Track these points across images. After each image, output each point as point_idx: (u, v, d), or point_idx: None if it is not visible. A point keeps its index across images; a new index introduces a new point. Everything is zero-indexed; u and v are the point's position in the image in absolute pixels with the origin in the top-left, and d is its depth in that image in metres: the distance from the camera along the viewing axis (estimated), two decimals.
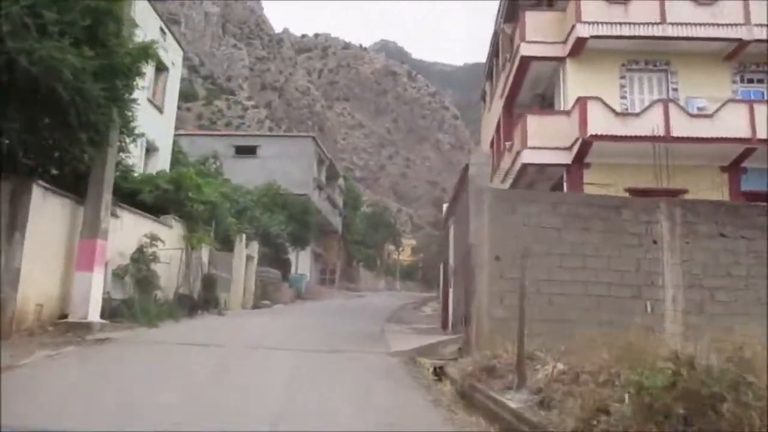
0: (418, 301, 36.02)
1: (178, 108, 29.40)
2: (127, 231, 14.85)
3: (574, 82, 18.90)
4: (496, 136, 24.94)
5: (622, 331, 6.64)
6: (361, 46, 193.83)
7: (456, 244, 15.67)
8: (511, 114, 23.52)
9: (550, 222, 10.85)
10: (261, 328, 15.04)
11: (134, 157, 20.08)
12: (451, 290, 16.28)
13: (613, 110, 17.14)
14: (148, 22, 20.72)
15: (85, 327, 11.10)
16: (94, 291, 11.70)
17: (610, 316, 9.96)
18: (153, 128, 23.02)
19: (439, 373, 9.02)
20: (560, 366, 6.14)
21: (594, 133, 16.81)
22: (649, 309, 10.39)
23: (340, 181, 44.39)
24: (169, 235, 17.23)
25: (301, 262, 38.36)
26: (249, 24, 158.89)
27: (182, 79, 29.46)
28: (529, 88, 21.91)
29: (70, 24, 8.80)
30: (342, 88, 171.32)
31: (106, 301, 12.76)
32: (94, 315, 11.65)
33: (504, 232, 10.80)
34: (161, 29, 23.13)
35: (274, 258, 30.55)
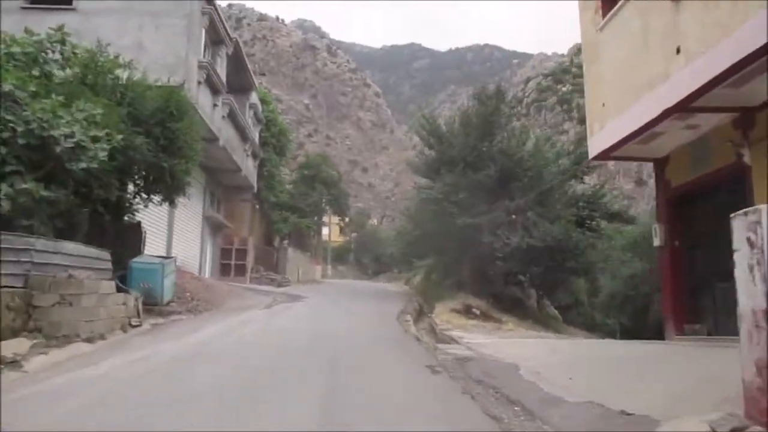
0: (405, 306, 17.73)
1: None
2: None
3: None
4: None
5: None
6: (277, 18, 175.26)
7: None
8: None
9: None
10: None
11: None
12: None
13: None
14: None
15: None
16: None
17: None
18: None
19: None
20: None
21: None
22: None
23: (254, 98, 24.55)
24: None
25: (182, 235, 19.04)
26: None
27: None
28: None
29: None
30: (258, 61, 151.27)
31: None
32: None
33: None
34: None
35: (87, 217, 11.28)
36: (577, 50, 64.35)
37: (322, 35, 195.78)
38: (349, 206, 39.28)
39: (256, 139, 24.89)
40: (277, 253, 28.32)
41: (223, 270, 24.06)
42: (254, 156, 24.38)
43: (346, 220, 42.24)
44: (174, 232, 18.15)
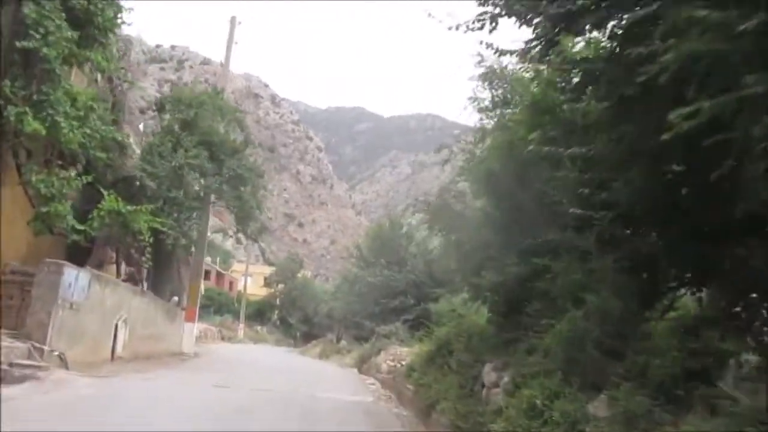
0: None
1: None
2: None
3: None
4: None
5: None
6: (221, 63, 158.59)
7: None
8: None
9: None
10: None
11: None
12: None
13: None
14: None
15: None
16: None
17: None
18: None
19: None
20: None
21: None
22: None
23: None
24: None
25: None
26: None
27: None
28: None
29: None
30: None
31: None
32: None
33: None
34: None
35: None
36: None
37: (267, 85, 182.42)
38: (261, 209, 19.78)
39: None
40: (29, 286, 8.92)
41: None
42: None
43: (256, 273, 21.59)
44: None
